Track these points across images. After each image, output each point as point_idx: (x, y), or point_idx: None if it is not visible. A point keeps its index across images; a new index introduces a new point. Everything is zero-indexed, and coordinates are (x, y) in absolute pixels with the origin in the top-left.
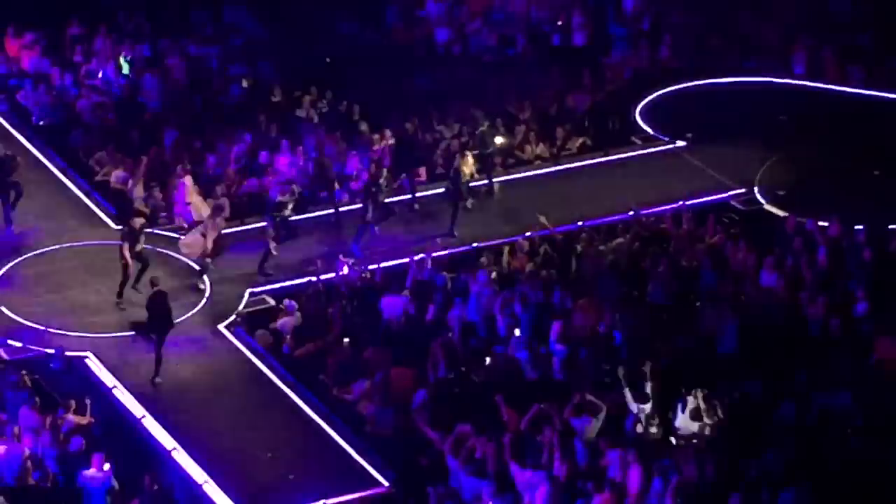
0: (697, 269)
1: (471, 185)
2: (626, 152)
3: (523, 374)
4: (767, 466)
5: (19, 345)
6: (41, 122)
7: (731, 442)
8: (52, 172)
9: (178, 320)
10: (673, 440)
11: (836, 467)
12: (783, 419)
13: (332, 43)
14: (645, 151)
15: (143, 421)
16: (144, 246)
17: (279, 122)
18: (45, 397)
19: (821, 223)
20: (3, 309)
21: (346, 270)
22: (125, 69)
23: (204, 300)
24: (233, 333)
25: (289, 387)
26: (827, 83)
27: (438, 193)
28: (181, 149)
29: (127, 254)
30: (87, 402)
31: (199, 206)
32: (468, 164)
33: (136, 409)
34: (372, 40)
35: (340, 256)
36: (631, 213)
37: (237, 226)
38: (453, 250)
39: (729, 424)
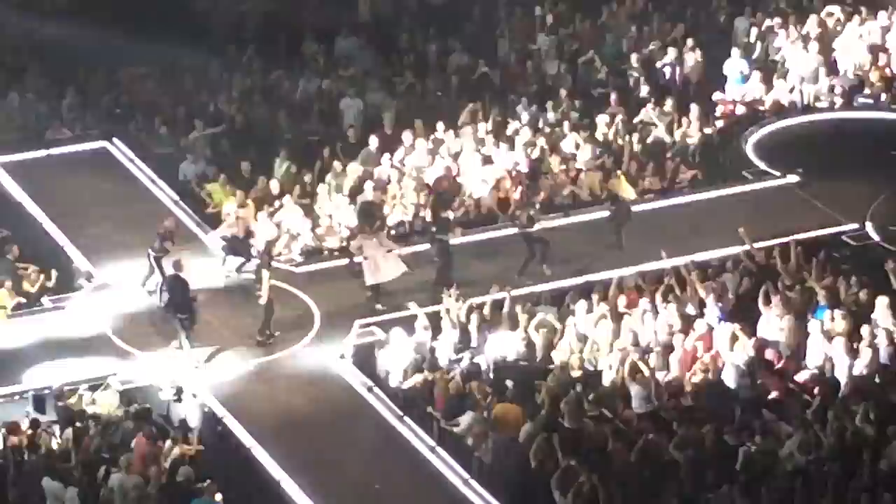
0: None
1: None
2: (737, 186)
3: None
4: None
5: (130, 376)
6: (155, 152)
7: (838, 475)
8: (163, 204)
9: (288, 350)
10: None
11: None
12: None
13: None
14: (756, 186)
15: (252, 451)
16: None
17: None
18: (156, 427)
19: None
20: (115, 339)
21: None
22: (237, 100)
23: (314, 331)
24: (342, 365)
25: (397, 419)
26: None
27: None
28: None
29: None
30: (197, 432)
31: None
32: (621, 186)
33: (246, 439)
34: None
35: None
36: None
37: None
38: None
39: (836, 458)
